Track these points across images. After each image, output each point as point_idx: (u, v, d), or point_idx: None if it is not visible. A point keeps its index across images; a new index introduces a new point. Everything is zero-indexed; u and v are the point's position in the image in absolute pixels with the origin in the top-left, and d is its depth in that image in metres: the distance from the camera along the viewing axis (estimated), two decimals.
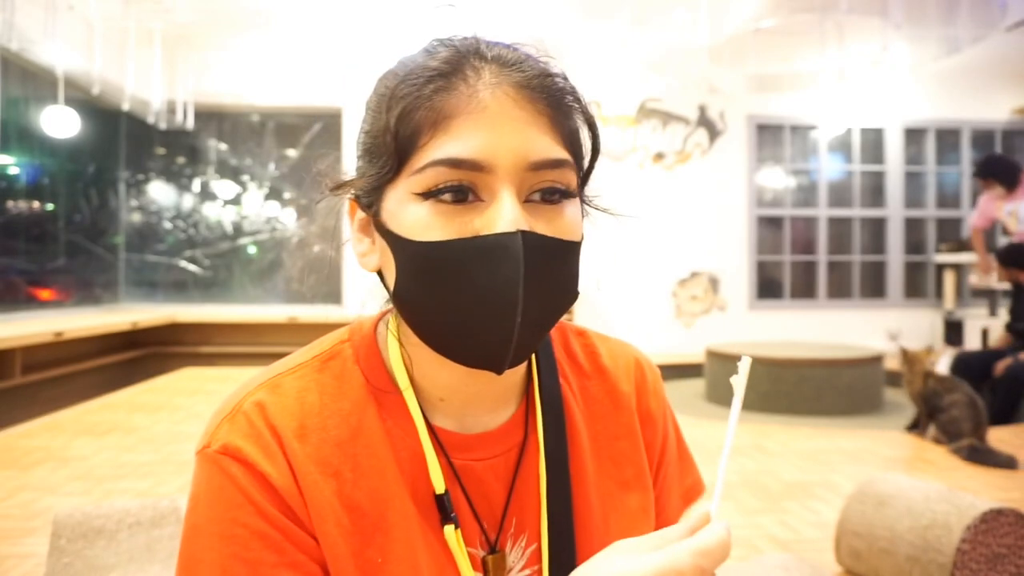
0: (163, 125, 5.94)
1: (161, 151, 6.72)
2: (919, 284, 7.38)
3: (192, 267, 6.73)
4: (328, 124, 6.74)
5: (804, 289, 7.29)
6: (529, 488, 0.56)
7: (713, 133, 7.02)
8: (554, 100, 0.50)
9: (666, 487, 0.65)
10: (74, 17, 4.98)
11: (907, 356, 3.47)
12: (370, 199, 0.52)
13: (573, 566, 0.54)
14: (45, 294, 5.59)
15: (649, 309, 6.90)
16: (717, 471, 0.42)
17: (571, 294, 0.51)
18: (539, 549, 0.56)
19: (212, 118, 6.67)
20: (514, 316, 0.46)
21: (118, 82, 5.24)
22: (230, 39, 6.11)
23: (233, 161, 6.80)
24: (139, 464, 2.98)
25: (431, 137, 0.47)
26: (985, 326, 6.40)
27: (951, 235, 7.36)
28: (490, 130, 0.46)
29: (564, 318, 0.57)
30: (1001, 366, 4.00)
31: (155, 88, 5.53)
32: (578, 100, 0.52)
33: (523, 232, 0.45)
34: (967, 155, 7.34)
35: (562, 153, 0.49)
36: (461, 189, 0.47)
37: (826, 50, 5.22)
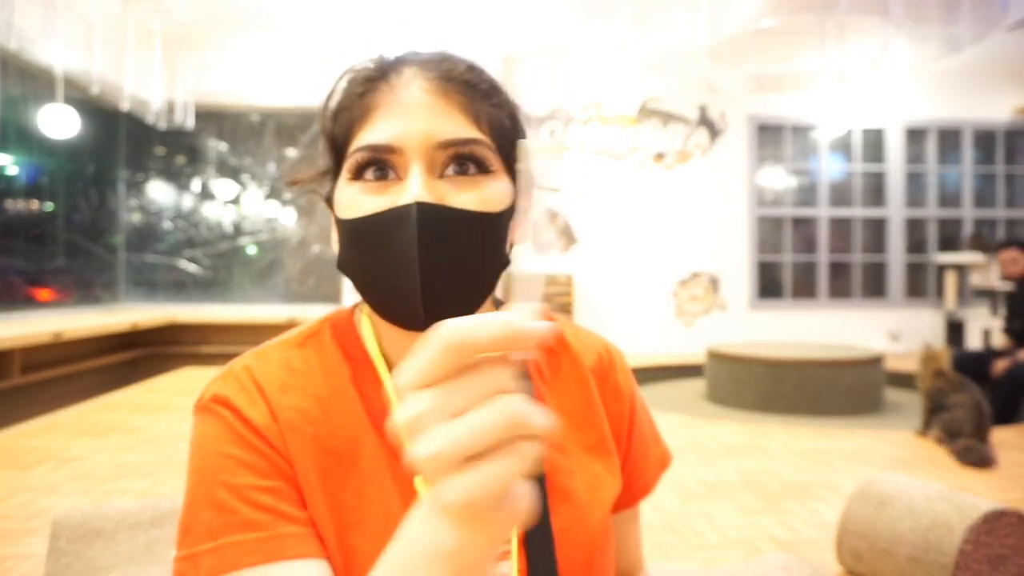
0: (163, 125, 5.94)
1: (161, 151, 6.72)
2: (920, 284, 7.37)
3: (192, 267, 6.73)
4: None
5: (804, 289, 7.28)
6: None
7: (713, 133, 7.01)
8: (470, 90, 0.56)
9: (643, 453, 0.71)
10: (74, 17, 4.97)
11: (925, 353, 3.48)
12: (328, 194, 0.60)
13: (547, 521, 0.59)
14: (44, 294, 5.58)
15: (649, 309, 6.89)
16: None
17: (491, 260, 0.56)
18: None
19: (212, 118, 6.67)
20: (414, 274, 0.51)
21: (118, 82, 5.24)
22: (230, 39, 6.11)
23: (233, 161, 6.80)
24: (139, 464, 2.98)
25: (359, 129, 0.55)
26: (986, 326, 6.40)
27: (952, 235, 7.36)
28: (402, 118, 0.54)
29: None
30: (1000, 367, 4.00)
31: (155, 88, 5.53)
32: (497, 91, 0.58)
33: (419, 203, 0.51)
34: (968, 155, 7.34)
35: (473, 132, 0.55)
36: (380, 165, 0.54)
37: (826, 50, 5.22)
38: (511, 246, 0.59)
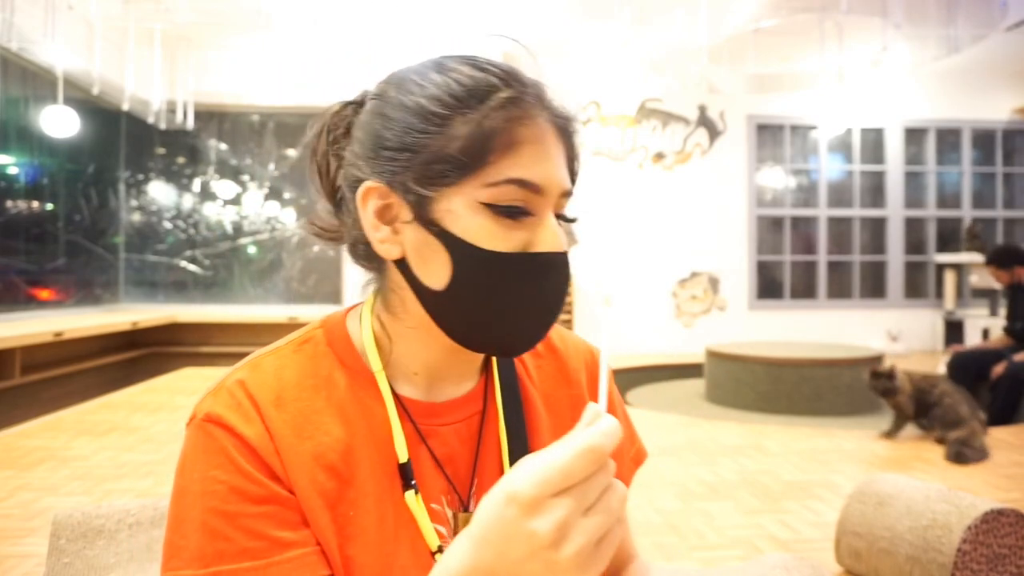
0: (163, 125, 5.95)
1: (161, 151, 6.73)
2: (919, 284, 7.38)
3: (192, 267, 6.74)
4: None
5: (804, 289, 7.29)
6: (490, 450, 0.64)
7: (713, 133, 7.02)
8: (571, 141, 0.60)
9: (619, 451, 0.72)
10: (74, 17, 4.98)
11: (891, 372, 3.40)
12: (413, 193, 0.55)
13: None
14: (45, 294, 5.59)
15: (649, 309, 6.89)
16: (602, 375, 0.46)
17: None
18: None
19: (212, 118, 6.67)
20: (552, 319, 0.58)
21: (118, 82, 5.24)
22: (230, 39, 6.12)
23: (233, 161, 6.80)
24: (139, 464, 2.98)
25: (502, 156, 0.54)
26: (986, 326, 6.40)
27: (952, 236, 7.36)
28: (547, 160, 0.56)
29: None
30: (998, 369, 4.00)
31: (155, 88, 5.53)
32: (577, 139, 0.62)
33: (565, 252, 0.57)
34: (967, 155, 7.34)
35: (571, 185, 0.60)
36: (520, 205, 0.55)
37: (826, 50, 5.22)
38: None
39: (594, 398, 0.71)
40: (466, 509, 0.61)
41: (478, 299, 0.55)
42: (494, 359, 0.67)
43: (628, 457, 0.74)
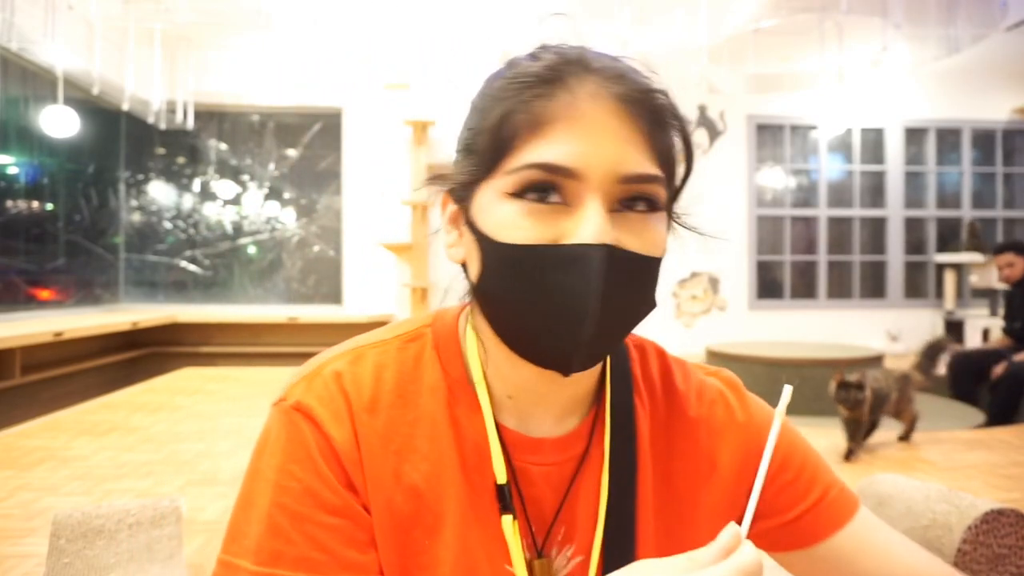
0: (163, 125, 5.94)
1: (161, 151, 6.72)
2: (919, 284, 7.38)
3: (192, 267, 6.74)
4: (328, 124, 6.74)
5: (804, 289, 7.28)
6: (585, 500, 0.56)
7: (713, 133, 7.02)
8: (653, 116, 0.51)
9: (786, 484, 0.61)
10: (74, 17, 4.98)
11: (860, 383, 3.26)
12: (462, 193, 0.53)
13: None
14: (45, 294, 5.59)
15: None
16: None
17: (648, 306, 0.52)
18: (586, 562, 0.56)
19: (212, 118, 6.67)
20: (585, 325, 0.47)
21: (118, 82, 5.24)
22: (230, 39, 6.11)
23: (233, 161, 6.80)
24: (139, 464, 2.98)
25: (527, 140, 0.48)
26: (986, 326, 6.40)
27: (952, 236, 7.36)
28: (585, 139, 0.47)
29: None
30: (998, 370, 4.00)
31: (155, 88, 5.53)
32: (677, 118, 0.54)
33: (606, 245, 0.46)
34: (967, 155, 7.34)
35: (654, 169, 0.50)
36: (546, 188, 0.48)
37: (826, 50, 5.22)
38: None
39: (724, 445, 0.61)
40: (540, 555, 0.55)
41: (501, 296, 0.50)
42: (608, 394, 0.58)
43: (815, 492, 0.61)
